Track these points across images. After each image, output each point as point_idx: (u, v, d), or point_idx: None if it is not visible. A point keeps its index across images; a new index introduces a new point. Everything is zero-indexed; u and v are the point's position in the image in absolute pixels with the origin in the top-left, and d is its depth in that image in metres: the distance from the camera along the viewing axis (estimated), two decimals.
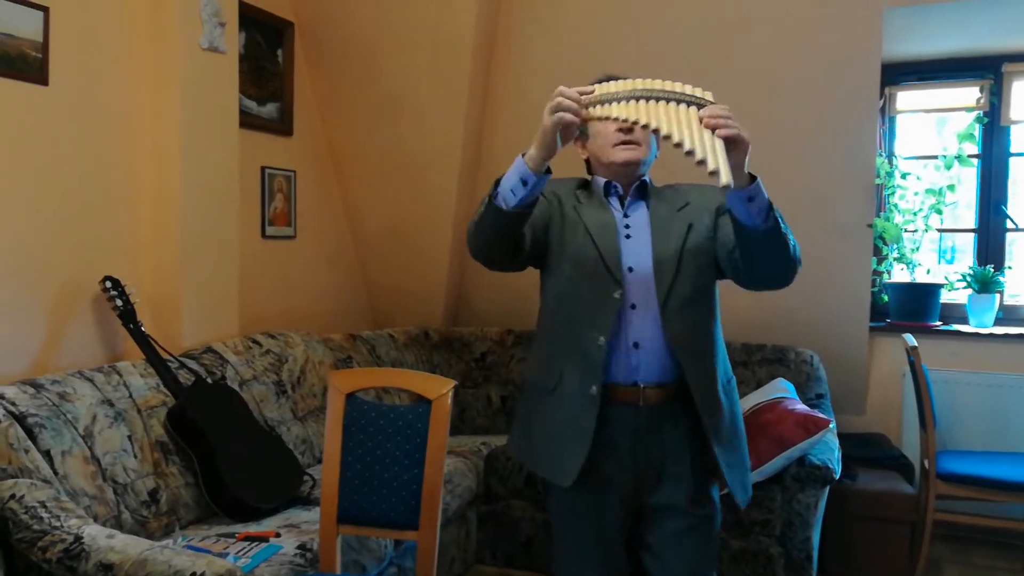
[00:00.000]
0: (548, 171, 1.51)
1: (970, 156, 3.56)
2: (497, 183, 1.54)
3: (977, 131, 3.56)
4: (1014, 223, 3.57)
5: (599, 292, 1.65)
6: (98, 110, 2.54)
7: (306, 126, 3.55)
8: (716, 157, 1.33)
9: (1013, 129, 3.54)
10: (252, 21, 3.18)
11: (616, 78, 1.50)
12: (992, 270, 3.47)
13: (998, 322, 3.49)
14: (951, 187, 3.55)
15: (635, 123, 1.43)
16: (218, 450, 2.33)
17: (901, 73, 3.62)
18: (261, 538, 2.14)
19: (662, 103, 1.40)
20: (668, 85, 1.43)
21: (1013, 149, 3.56)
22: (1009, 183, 3.57)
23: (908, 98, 3.69)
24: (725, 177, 1.31)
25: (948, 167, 3.55)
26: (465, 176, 3.64)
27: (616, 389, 1.64)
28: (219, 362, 2.67)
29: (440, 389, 1.93)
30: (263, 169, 3.28)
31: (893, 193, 3.61)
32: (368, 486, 1.92)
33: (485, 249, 1.61)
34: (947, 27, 3.26)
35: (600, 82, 1.50)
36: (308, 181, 3.57)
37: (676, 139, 1.35)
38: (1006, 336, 3.39)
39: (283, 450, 2.59)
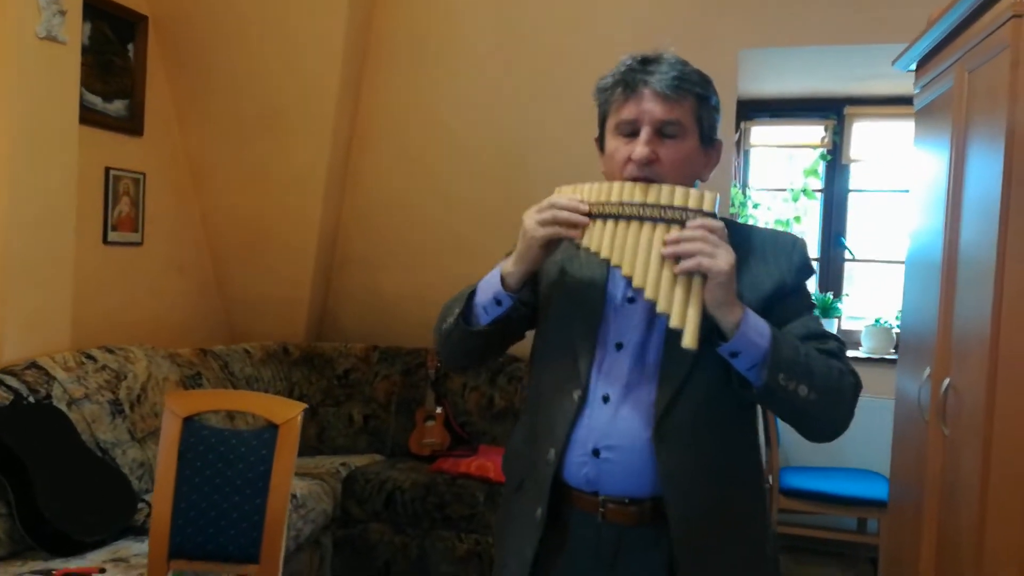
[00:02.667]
0: (525, 287, 1.23)
1: (814, 190, 3.82)
2: (472, 294, 1.25)
3: (821, 167, 3.82)
4: (851, 254, 3.85)
5: (557, 386, 1.24)
6: None
7: (160, 127, 3.32)
8: (680, 308, 1.06)
9: (852, 167, 3.83)
10: (99, 12, 2.95)
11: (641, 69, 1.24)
12: (832, 297, 3.72)
13: None
14: (797, 218, 3.79)
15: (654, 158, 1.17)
16: (36, 478, 2.11)
17: (755, 109, 3.83)
18: (83, 575, 1.96)
19: (646, 225, 1.10)
20: (662, 195, 1.11)
21: (852, 185, 3.85)
22: (848, 217, 3.85)
23: (761, 133, 3.92)
24: (687, 339, 1.05)
25: (795, 200, 3.79)
26: (331, 195, 3.52)
27: (571, 494, 1.23)
28: (44, 379, 2.43)
29: (288, 413, 1.83)
30: (107, 170, 3.04)
31: (746, 222, 3.81)
32: (205, 517, 1.79)
33: (454, 361, 1.36)
34: (796, 70, 3.49)
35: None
36: (160, 185, 3.34)
37: (637, 283, 1.10)
38: None
39: (115, 476, 2.38)
